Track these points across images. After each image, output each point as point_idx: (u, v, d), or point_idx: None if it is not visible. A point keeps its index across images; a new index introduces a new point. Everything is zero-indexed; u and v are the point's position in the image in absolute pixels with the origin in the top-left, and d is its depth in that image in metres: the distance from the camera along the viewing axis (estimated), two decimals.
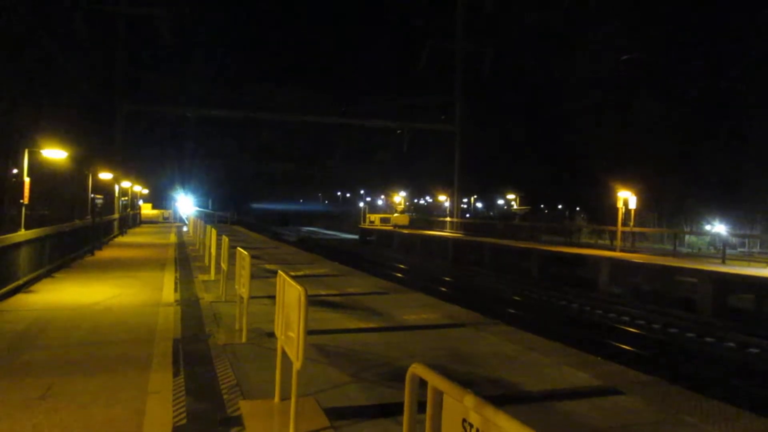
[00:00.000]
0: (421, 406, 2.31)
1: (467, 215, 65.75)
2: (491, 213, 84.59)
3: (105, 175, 21.38)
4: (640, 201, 25.55)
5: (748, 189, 42.92)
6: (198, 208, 62.63)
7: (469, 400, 1.95)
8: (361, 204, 66.99)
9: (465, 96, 46.06)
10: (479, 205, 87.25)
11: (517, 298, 20.01)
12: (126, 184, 31.62)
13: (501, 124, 61.22)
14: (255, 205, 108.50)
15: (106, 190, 23.79)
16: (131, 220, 36.39)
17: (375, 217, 53.80)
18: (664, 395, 5.40)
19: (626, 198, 23.85)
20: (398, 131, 46.87)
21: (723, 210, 42.64)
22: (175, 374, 5.58)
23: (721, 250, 23.89)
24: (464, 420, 1.99)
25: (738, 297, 17.43)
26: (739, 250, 31.94)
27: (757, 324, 15.16)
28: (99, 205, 19.66)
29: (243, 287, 6.83)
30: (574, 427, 4.57)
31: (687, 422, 4.70)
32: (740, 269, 18.27)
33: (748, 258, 24.70)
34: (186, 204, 59.67)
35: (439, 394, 2.18)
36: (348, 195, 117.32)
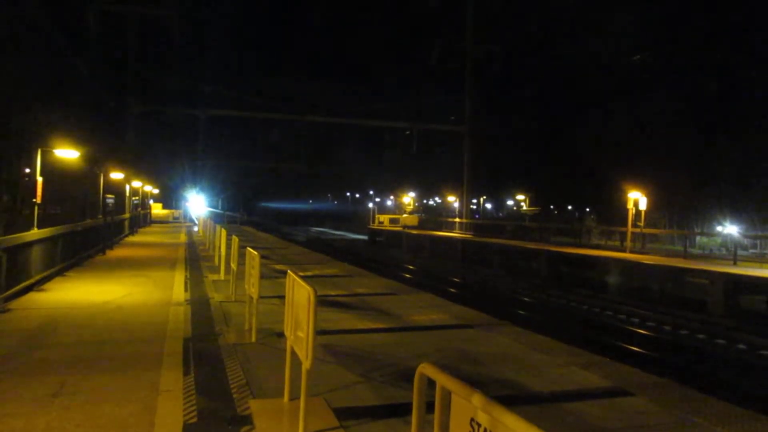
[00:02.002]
0: (430, 407, 2.32)
1: (476, 216, 65.61)
2: (500, 214, 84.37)
3: (116, 175, 21.54)
4: (650, 202, 25.37)
5: (760, 189, 42.56)
6: (209, 208, 62.90)
7: (477, 399, 1.96)
8: (370, 204, 67.00)
9: (474, 96, 45.97)
10: (488, 206, 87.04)
11: (525, 299, 19.95)
12: (137, 183, 31.83)
13: (511, 124, 61.06)
14: (264, 205, 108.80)
15: (117, 189, 23.96)
16: (142, 219, 36.61)
17: (384, 218, 53.80)
18: (674, 397, 5.38)
19: (636, 199, 23.72)
20: (407, 131, 46.85)
21: (734, 211, 42.28)
22: (186, 373, 5.62)
23: (732, 251, 23.70)
24: (472, 419, 2.00)
25: (750, 298, 17.29)
26: (751, 251, 31.66)
27: None
28: (110, 205, 19.82)
29: (253, 287, 6.86)
30: (582, 427, 4.56)
31: (697, 424, 4.68)
32: (752, 270, 18.12)
33: (760, 259, 24.47)
34: (197, 204, 59.89)
35: (447, 394, 2.19)
36: (357, 195, 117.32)
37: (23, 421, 4.34)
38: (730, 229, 37.60)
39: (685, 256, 24.01)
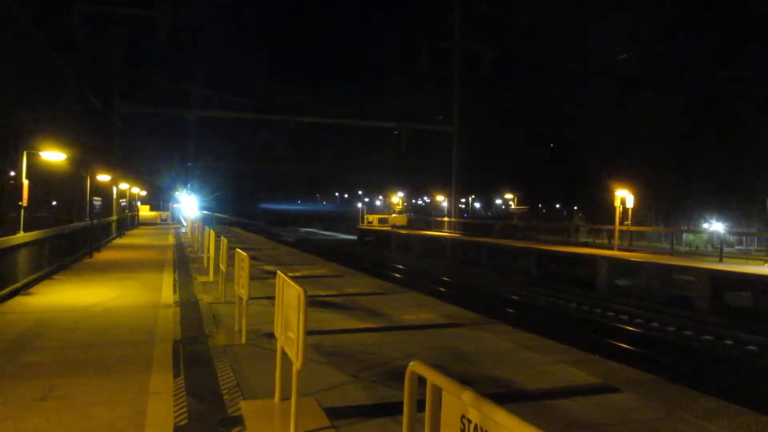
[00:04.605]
0: (421, 405, 2.34)
1: (465, 215, 65.77)
2: (489, 213, 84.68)
3: (103, 177, 21.36)
4: (637, 200, 25.56)
5: (746, 187, 43.01)
6: (198, 210, 62.55)
7: (468, 396, 1.97)
8: (359, 204, 67.01)
9: (462, 96, 46.06)
10: (477, 205, 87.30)
11: (514, 297, 20.03)
12: (124, 185, 31.59)
13: (499, 123, 61.28)
14: (254, 206, 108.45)
15: (104, 191, 23.75)
16: (129, 221, 36.35)
17: (373, 218, 53.79)
18: (662, 393, 5.44)
19: (624, 197, 23.90)
20: (396, 131, 46.84)
21: (720, 208, 42.70)
22: (176, 375, 5.61)
23: (718, 248, 23.93)
24: (463, 416, 2.02)
25: (736, 294, 17.48)
26: (737, 248, 32.01)
27: (755, 321, 15.22)
28: (97, 207, 19.64)
29: (242, 288, 6.85)
30: (571, 423, 4.60)
31: (685, 419, 4.73)
32: (737, 267, 18.32)
33: (746, 255, 24.76)
34: (185, 205, 59.55)
35: (437, 391, 2.21)
36: (346, 196, 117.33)
37: (11, 425, 4.31)
38: (716, 226, 37.96)
39: (672, 253, 24.24)
